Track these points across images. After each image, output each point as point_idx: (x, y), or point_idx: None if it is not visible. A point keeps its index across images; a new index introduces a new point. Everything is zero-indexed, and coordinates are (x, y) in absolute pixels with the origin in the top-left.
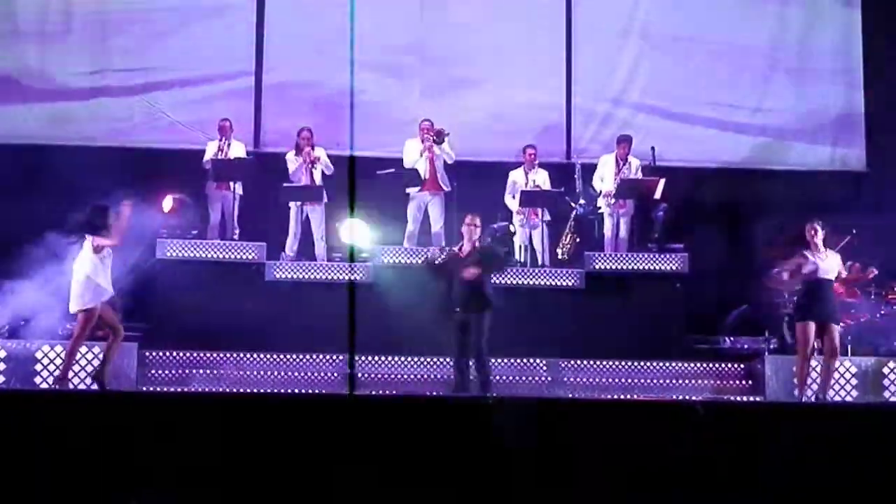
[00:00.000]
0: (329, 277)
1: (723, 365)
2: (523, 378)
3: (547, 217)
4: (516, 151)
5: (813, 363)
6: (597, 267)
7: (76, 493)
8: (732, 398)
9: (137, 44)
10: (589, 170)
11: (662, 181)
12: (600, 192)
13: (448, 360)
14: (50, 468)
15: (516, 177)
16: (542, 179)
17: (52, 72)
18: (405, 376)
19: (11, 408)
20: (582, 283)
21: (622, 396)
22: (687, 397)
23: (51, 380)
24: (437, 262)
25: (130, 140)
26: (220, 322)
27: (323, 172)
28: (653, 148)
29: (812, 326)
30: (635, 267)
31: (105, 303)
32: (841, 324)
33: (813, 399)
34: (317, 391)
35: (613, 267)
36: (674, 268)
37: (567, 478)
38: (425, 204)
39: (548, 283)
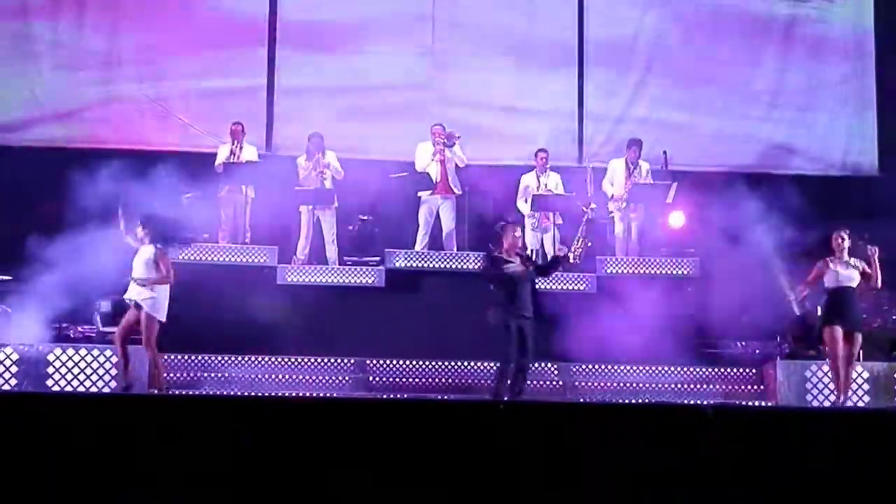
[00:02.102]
0: (340, 281)
1: (734, 370)
2: (534, 382)
3: (560, 220)
4: (528, 155)
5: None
6: (608, 271)
7: (85, 495)
8: (743, 403)
9: (150, 46)
10: (601, 174)
11: (675, 186)
12: (611, 196)
13: (459, 363)
14: (60, 470)
15: (528, 181)
16: (553, 183)
17: (64, 74)
18: (416, 380)
19: (24, 410)
20: (594, 288)
21: (633, 400)
22: (698, 402)
23: (62, 382)
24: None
25: (142, 143)
26: (231, 325)
27: (333, 177)
28: (665, 152)
29: (839, 330)
30: (646, 271)
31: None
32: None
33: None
34: (328, 394)
35: (625, 271)
36: (685, 272)
37: (576, 481)
38: (437, 207)
39: (559, 287)
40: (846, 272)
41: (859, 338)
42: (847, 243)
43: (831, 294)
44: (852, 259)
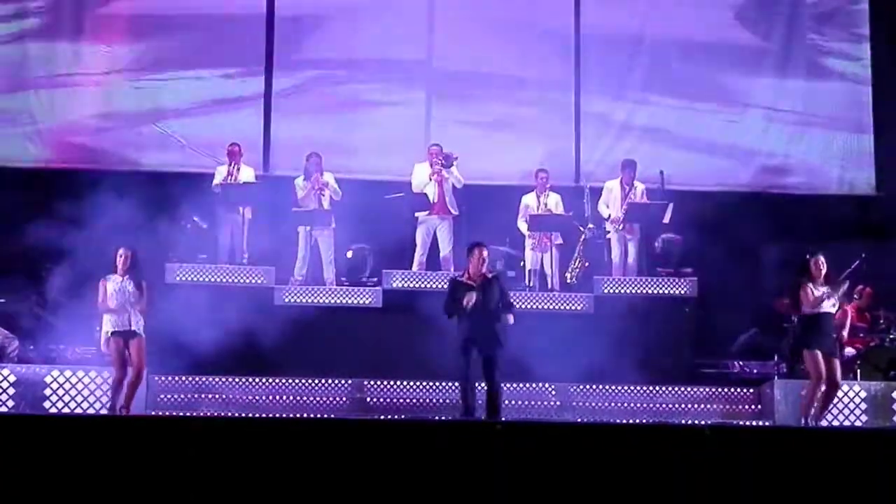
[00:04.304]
0: (338, 301)
1: (732, 389)
2: (532, 402)
3: (559, 241)
4: (524, 175)
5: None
6: (606, 291)
7: None
8: (741, 423)
9: (147, 66)
10: (597, 193)
11: (671, 206)
12: (608, 216)
13: (457, 384)
14: (58, 493)
15: (528, 201)
16: (553, 203)
17: (61, 94)
18: (414, 401)
19: (21, 432)
20: (591, 308)
21: (630, 421)
22: (696, 422)
23: (60, 404)
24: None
25: (140, 164)
26: (229, 346)
27: (331, 197)
28: (661, 172)
29: (820, 356)
30: (644, 291)
31: (122, 339)
32: (852, 348)
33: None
34: (325, 416)
35: (622, 291)
36: (682, 292)
37: (574, 502)
38: (434, 228)
39: (557, 307)
40: (826, 298)
41: (838, 364)
42: (824, 268)
43: (811, 318)
44: (829, 286)
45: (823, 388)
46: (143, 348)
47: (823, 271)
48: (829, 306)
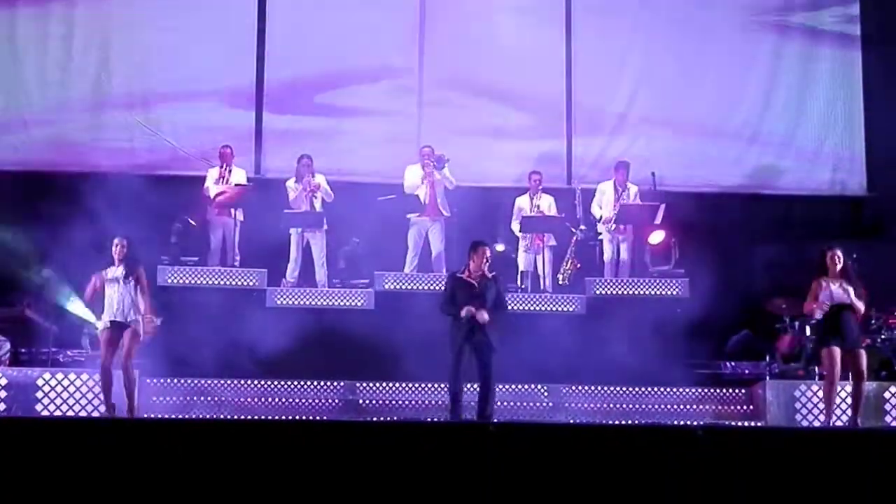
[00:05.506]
0: (330, 304)
1: (724, 390)
2: (524, 404)
3: (552, 242)
4: (516, 177)
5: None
6: (598, 292)
7: None
8: (733, 423)
9: (139, 69)
10: (589, 195)
11: (662, 207)
12: (600, 218)
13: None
14: (52, 496)
15: (522, 203)
16: (546, 205)
17: (52, 97)
18: (406, 402)
19: (13, 435)
20: (583, 309)
21: (623, 422)
22: (688, 422)
23: (52, 407)
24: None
25: (131, 166)
26: (221, 349)
27: (323, 199)
28: (653, 173)
29: (837, 352)
30: (636, 292)
31: (117, 329)
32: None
33: (847, 424)
34: (318, 418)
35: (614, 292)
36: (674, 293)
37: (566, 503)
38: (426, 230)
39: (549, 308)
40: (840, 290)
41: (863, 354)
42: (840, 262)
43: (827, 313)
44: (843, 279)
45: (851, 382)
46: (137, 336)
47: (839, 266)
48: (843, 299)
